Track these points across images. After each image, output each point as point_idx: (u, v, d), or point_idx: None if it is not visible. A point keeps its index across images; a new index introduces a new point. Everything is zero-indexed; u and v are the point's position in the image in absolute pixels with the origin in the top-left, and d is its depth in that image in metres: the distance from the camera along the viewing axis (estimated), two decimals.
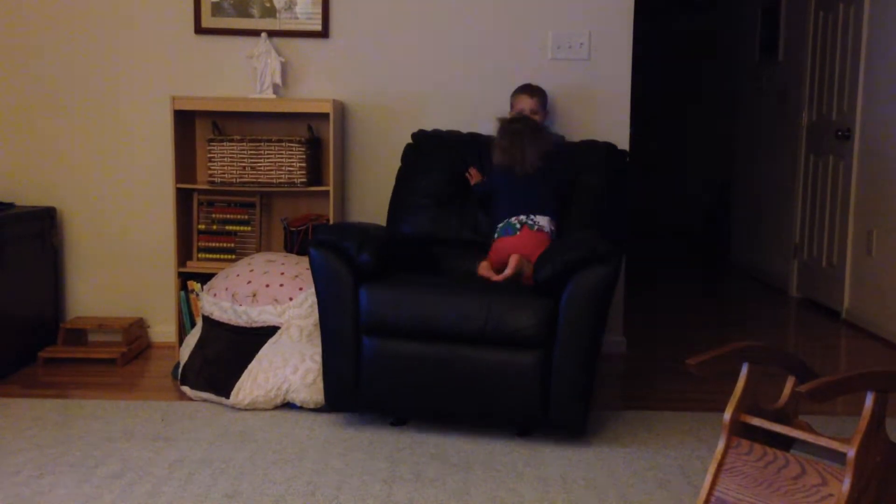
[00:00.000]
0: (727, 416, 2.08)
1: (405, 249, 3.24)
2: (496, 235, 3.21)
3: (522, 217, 3.15)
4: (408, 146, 3.62)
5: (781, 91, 5.94)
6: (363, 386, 2.91)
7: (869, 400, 1.88)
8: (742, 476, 2.04)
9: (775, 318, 5.08)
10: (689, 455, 2.78)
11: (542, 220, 3.16)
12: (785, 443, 2.13)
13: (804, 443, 2.02)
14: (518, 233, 3.13)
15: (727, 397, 2.11)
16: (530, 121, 3.35)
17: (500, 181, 3.27)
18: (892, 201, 4.42)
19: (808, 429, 2.11)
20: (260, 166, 3.67)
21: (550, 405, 2.80)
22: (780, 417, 2.14)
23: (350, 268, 2.91)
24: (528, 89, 3.60)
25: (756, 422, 2.08)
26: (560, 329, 2.77)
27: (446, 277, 3.25)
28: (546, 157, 3.23)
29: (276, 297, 3.22)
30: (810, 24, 5.49)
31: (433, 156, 3.53)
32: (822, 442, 1.97)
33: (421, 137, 3.61)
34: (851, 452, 1.86)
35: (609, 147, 3.52)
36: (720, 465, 2.08)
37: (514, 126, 3.29)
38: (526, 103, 3.55)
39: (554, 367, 2.79)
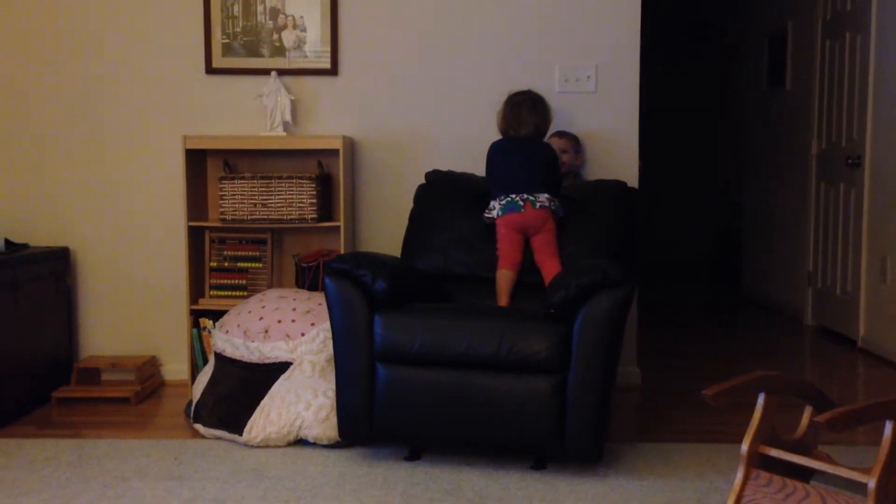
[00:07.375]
0: (745, 447, 2.06)
1: (419, 282, 3.24)
2: (499, 213, 3.29)
3: (524, 195, 3.27)
4: (421, 186, 3.62)
5: (790, 119, 5.95)
6: (377, 414, 2.90)
7: (888, 429, 1.86)
8: None
9: (791, 348, 5.04)
10: (707, 488, 2.75)
11: (542, 198, 3.28)
12: (804, 474, 2.10)
13: (824, 474, 2.00)
14: (522, 210, 3.26)
15: (744, 428, 2.09)
16: (532, 93, 3.51)
17: (497, 151, 3.40)
18: None
19: (827, 459, 2.08)
20: (271, 203, 3.69)
21: (566, 431, 2.78)
22: (798, 448, 2.12)
23: (365, 296, 2.92)
24: (557, 132, 3.81)
25: (774, 453, 2.06)
26: (574, 353, 2.77)
27: (460, 304, 3.26)
28: (539, 130, 3.42)
29: (288, 332, 3.22)
30: (817, 53, 5.51)
31: (446, 196, 3.53)
32: (842, 473, 1.94)
33: (434, 177, 3.62)
34: (872, 483, 1.83)
35: (620, 186, 3.52)
36: (739, 497, 2.05)
37: (515, 97, 3.48)
38: (556, 143, 3.74)
39: (569, 392, 2.78)
